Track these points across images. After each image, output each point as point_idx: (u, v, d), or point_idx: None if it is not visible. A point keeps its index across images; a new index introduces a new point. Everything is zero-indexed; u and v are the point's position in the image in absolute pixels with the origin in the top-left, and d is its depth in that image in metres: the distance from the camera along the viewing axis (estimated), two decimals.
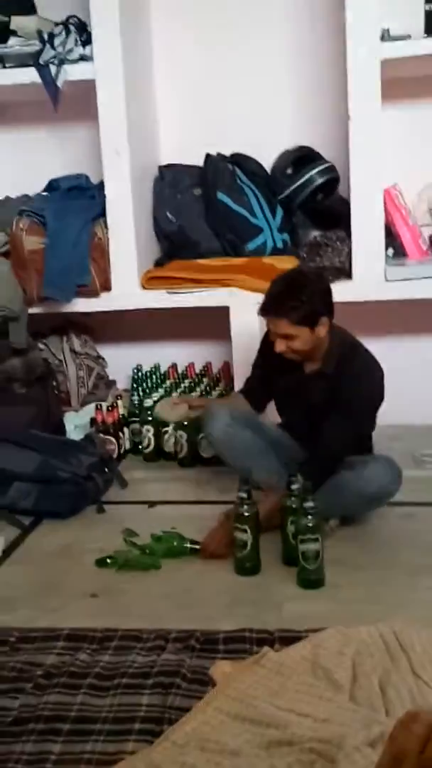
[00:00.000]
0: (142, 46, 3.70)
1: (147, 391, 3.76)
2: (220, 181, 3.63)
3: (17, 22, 3.53)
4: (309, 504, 2.46)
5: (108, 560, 2.67)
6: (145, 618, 2.31)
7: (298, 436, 2.97)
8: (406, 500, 3.03)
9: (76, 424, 3.63)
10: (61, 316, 3.74)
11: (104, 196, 3.54)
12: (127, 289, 3.57)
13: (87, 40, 3.48)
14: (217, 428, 2.93)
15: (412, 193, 3.67)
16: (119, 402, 3.65)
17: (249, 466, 2.90)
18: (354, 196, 3.40)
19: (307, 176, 3.60)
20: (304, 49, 3.72)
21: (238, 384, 3.36)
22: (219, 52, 3.77)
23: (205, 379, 3.83)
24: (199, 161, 3.71)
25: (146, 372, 3.94)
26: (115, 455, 3.49)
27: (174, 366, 3.95)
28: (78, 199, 3.63)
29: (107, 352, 3.99)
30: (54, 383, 3.74)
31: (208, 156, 3.70)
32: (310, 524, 2.44)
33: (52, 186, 3.73)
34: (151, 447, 3.59)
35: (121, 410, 3.63)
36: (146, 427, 3.57)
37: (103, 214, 3.56)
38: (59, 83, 3.46)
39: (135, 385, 3.88)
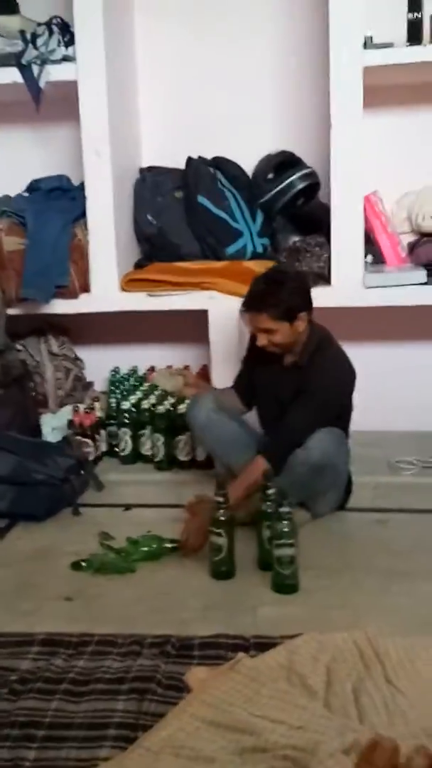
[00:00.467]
0: (125, 47, 3.69)
1: (124, 393, 3.75)
2: (201, 185, 3.62)
3: (0, 21, 3.51)
4: (284, 509, 2.48)
5: (83, 563, 2.66)
6: (120, 622, 2.31)
7: (269, 427, 3.03)
8: (380, 506, 3.07)
9: (53, 426, 3.61)
10: (40, 317, 3.72)
11: (85, 198, 3.52)
12: (106, 291, 3.56)
13: (70, 41, 3.47)
14: (202, 412, 3.01)
15: (392, 201, 3.69)
16: (96, 404, 3.64)
17: (230, 453, 2.99)
18: (334, 202, 3.42)
19: (288, 181, 3.61)
20: (287, 54, 3.73)
21: (218, 385, 3.36)
22: (202, 55, 3.77)
23: None
24: (181, 164, 3.71)
25: (124, 374, 3.93)
26: (91, 458, 3.48)
27: (152, 368, 3.94)
28: (59, 200, 3.62)
29: (85, 353, 3.97)
30: (31, 385, 3.72)
31: (189, 159, 3.70)
32: (286, 529, 2.46)
33: (33, 187, 3.71)
34: (128, 450, 3.58)
35: (99, 413, 3.62)
36: (123, 429, 3.57)
37: (83, 215, 3.55)
38: (41, 84, 3.44)
39: (112, 388, 3.87)
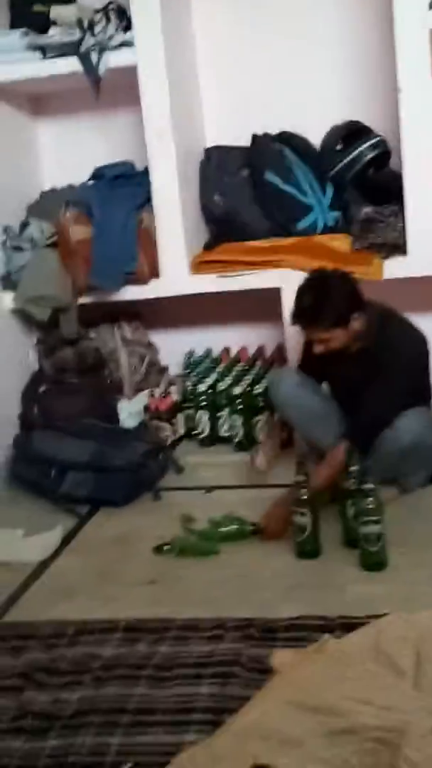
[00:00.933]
0: (182, 27, 3.65)
1: (200, 376, 3.73)
2: (268, 161, 3.55)
3: (57, 11, 3.50)
4: (368, 486, 2.45)
5: (165, 547, 2.67)
6: (204, 604, 2.31)
7: (347, 408, 2.98)
8: None
9: (129, 411, 3.63)
10: (112, 304, 3.73)
11: (150, 183, 3.50)
12: (176, 275, 3.53)
13: (127, 26, 3.44)
14: (286, 387, 3.00)
15: None
16: (172, 388, 3.64)
17: (314, 428, 2.97)
18: (406, 169, 3.31)
19: (357, 151, 3.51)
20: (349, 22, 3.62)
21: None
22: (261, 28, 3.69)
23: (258, 362, 3.79)
24: (246, 141, 3.65)
25: (198, 357, 3.92)
26: (169, 441, 3.48)
27: (226, 350, 3.92)
28: (124, 186, 3.60)
29: (158, 338, 3.97)
30: (106, 372, 3.74)
31: (254, 136, 3.63)
32: (371, 506, 2.43)
33: (98, 174, 3.70)
34: (206, 432, 3.58)
35: (175, 396, 3.62)
36: (200, 412, 3.57)
37: (149, 200, 3.53)
38: (101, 71, 3.43)
39: (188, 371, 3.86)
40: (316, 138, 3.65)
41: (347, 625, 2.02)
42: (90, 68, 3.43)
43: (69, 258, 3.52)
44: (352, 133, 3.56)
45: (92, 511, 3.08)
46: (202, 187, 3.69)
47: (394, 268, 3.32)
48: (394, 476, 2.86)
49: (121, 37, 3.46)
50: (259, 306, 3.67)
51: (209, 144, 3.78)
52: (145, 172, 3.54)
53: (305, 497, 2.54)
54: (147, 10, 3.35)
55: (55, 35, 3.49)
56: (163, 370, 3.95)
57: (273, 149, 3.61)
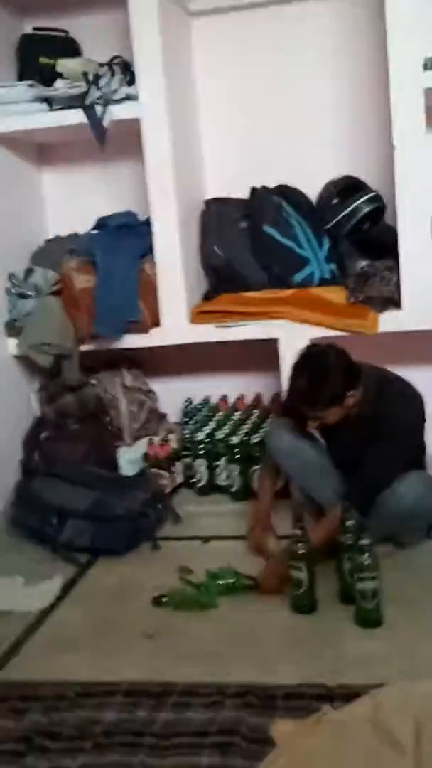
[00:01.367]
0: (185, 83, 3.72)
1: (198, 424, 3.77)
2: (267, 214, 3.62)
3: (63, 64, 3.57)
4: (365, 541, 2.46)
5: (163, 599, 2.69)
6: (202, 661, 2.33)
7: (343, 470, 2.97)
8: None
9: (129, 458, 3.66)
10: (112, 352, 3.78)
11: (152, 233, 3.56)
12: (176, 324, 3.58)
13: (131, 80, 3.51)
14: (285, 440, 2.97)
15: None
16: (171, 436, 3.67)
17: (312, 480, 2.97)
18: (401, 224, 3.37)
19: (353, 205, 3.58)
20: (346, 80, 3.71)
21: None
22: (261, 85, 3.77)
23: (255, 411, 3.83)
24: (245, 194, 3.71)
25: (197, 405, 3.96)
26: (168, 489, 3.51)
27: (224, 398, 3.96)
28: (126, 236, 3.65)
29: (158, 385, 4.01)
30: (107, 419, 3.77)
31: (253, 189, 3.70)
32: (367, 562, 2.44)
33: (101, 224, 3.76)
34: (204, 480, 3.61)
35: (173, 444, 3.65)
36: (198, 460, 3.60)
37: (151, 250, 3.58)
38: (105, 123, 3.49)
39: (186, 419, 3.90)
40: (312, 192, 3.73)
41: (346, 695, 2.02)
42: (95, 120, 3.49)
43: (72, 306, 3.56)
44: (347, 187, 3.63)
45: (92, 560, 3.10)
46: (203, 238, 3.75)
47: (388, 321, 3.36)
48: (392, 534, 2.87)
49: (125, 90, 3.52)
50: (256, 355, 3.72)
51: (209, 195, 3.84)
52: (148, 222, 3.59)
53: (302, 552, 2.55)
54: (150, 65, 3.42)
55: (61, 87, 3.55)
56: (162, 417, 3.99)
57: (271, 202, 3.67)
